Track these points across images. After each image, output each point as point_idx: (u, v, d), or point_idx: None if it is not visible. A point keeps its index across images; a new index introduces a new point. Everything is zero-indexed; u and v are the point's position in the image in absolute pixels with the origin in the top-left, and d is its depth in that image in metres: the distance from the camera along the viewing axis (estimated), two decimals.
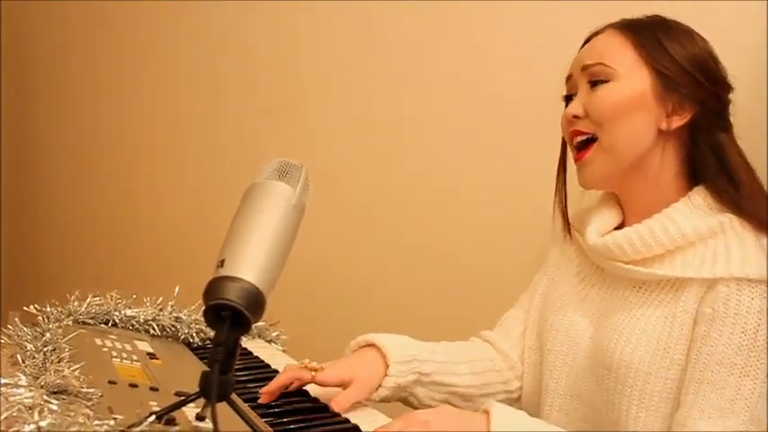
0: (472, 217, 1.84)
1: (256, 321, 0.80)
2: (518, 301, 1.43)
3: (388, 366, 1.22)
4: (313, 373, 1.17)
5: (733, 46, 1.39)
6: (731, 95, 1.21)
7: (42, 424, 0.77)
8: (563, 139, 1.29)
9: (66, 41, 3.06)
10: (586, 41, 1.27)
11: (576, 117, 1.21)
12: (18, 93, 3.30)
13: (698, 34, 1.22)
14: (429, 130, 1.92)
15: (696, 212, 1.16)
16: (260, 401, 1.11)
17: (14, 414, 0.78)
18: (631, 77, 1.17)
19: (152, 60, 2.70)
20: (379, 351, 1.24)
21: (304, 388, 1.20)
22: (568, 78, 1.26)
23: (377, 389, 1.21)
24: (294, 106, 2.21)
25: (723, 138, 1.18)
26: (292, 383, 1.17)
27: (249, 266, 0.79)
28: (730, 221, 1.14)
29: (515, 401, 1.36)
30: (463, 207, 1.86)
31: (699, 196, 1.17)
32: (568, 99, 1.26)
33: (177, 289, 1.44)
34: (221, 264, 0.80)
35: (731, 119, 1.21)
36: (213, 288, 0.78)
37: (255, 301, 0.78)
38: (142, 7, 2.69)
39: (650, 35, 1.19)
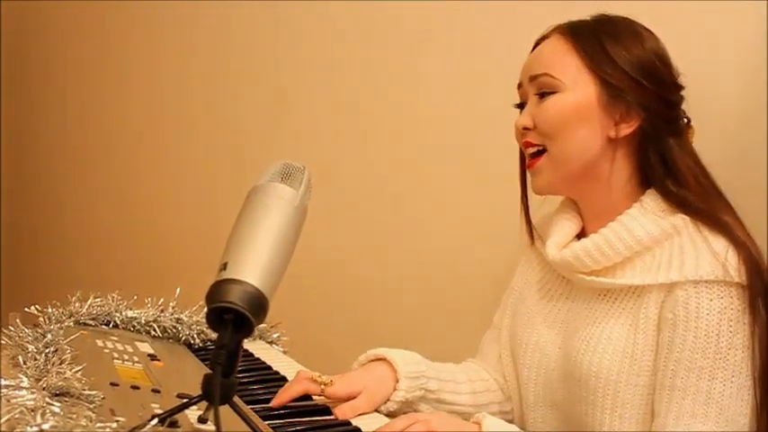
0: (474, 217, 1.84)
1: (259, 324, 0.80)
2: (493, 320, 1.44)
3: (397, 381, 1.23)
4: (323, 386, 1.17)
5: (733, 46, 1.39)
6: (683, 93, 1.22)
7: (45, 426, 0.77)
8: (520, 147, 1.30)
9: (67, 42, 3.06)
10: (535, 45, 1.27)
11: (526, 129, 1.22)
12: (18, 94, 3.30)
13: (647, 33, 1.21)
14: (431, 131, 1.92)
15: (649, 216, 1.17)
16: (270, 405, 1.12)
17: (16, 416, 0.78)
18: (577, 88, 1.17)
19: (152, 60, 2.70)
20: (390, 365, 1.25)
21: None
22: (519, 86, 1.26)
23: (385, 402, 1.22)
24: (295, 107, 2.21)
25: (671, 142, 1.18)
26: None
27: (252, 269, 0.79)
28: (683, 222, 1.15)
29: (511, 422, 1.37)
30: (465, 207, 1.86)
31: (650, 199, 1.18)
32: (521, 107, 1.26)
33: (178, 290, 1.44)
34: (224, 266, 0.80)
35: (681, 119, 1.22)
36: (216, 291, 0.78)
37: (258, 303, 0.78)
38: (142, 9, 2.69)
39: (594, 40, 1.19)
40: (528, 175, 1.27)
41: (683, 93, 1.22)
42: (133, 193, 2.79)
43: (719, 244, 1.10)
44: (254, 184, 0.89)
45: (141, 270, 2.67)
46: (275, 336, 1.52)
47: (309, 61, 2.17)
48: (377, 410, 1.19)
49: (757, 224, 1.30)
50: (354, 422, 1.09)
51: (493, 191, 1.82)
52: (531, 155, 1.23)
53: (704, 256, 1.10)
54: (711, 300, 1.07)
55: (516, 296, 1.39)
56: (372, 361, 1.29)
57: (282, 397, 1.13)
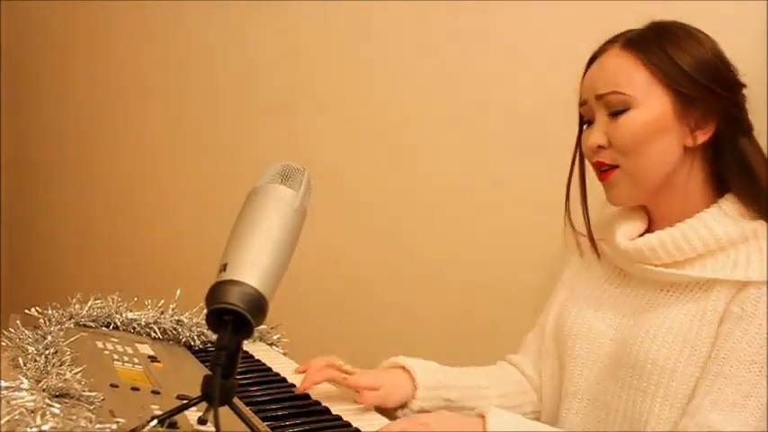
0: (474, 218, 1.84)
1: (259, 325, 0.80)
2: (537, 321, 1.43)
3: (416, 389, 1.25)
4: (345, 375, 1.21)
5: (733, 46, 1.39)
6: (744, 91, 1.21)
7: (44, 427, 0.77)
8: (579, 154, 1.29)
9: (67, 42, 3.06)
10: (591, 61, 1.25)
11: (600, 147, 1.20)
12: (18, 95, 3.30)
13: (702, 34, 1.21)
14: (431, 131, 1.92)
15: (728, 219, 1.17)
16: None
17: (17, 417, 0.78)
18: (649, 102, 1.16)
19: (152, 62, 2.70)
20: (409, 374, 1.27)
21: (306, 391, 1.21)
22: (583, 103, 1.25)
23: (402, 409, 1.23)
24: (295, 108, 2.21)
25: (745, 143, 1.18)
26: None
27: (252, 271, 0.79)
28: (763, 227, 1.15)
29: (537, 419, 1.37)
30: (465, 208, 1.86)
31: (729, 203, 1.18)
32: (585, 122, 1.25)
33: (179, 292, 1.44)
34: (224, 268, 0.80)
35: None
36: (216, 292, 0.78)
37: (258, 305, 0.78)
38: (142, 9, 2.69)
39: (658, 50, 1.17)
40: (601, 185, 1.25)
41: (744, 91, 1.22)
42: (133, 195, 2.79)
43: None
44: (254, 185, 0.89)
45: (141, 272, 2.67)
46: (275, 337, 1.52)
47: (310, 63, 2.17)
48: (388, 412, 1.21)
49: None
50: (354, 423, 1.09)
51: (494, 191, 1.82)
52: (603, 169, 1.22)
53: None
54: None
55: (566, 288, 1.37)
56: (393, 368, 1.31)
57: (306, 383, 1.17)
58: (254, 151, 2.29)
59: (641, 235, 1.24)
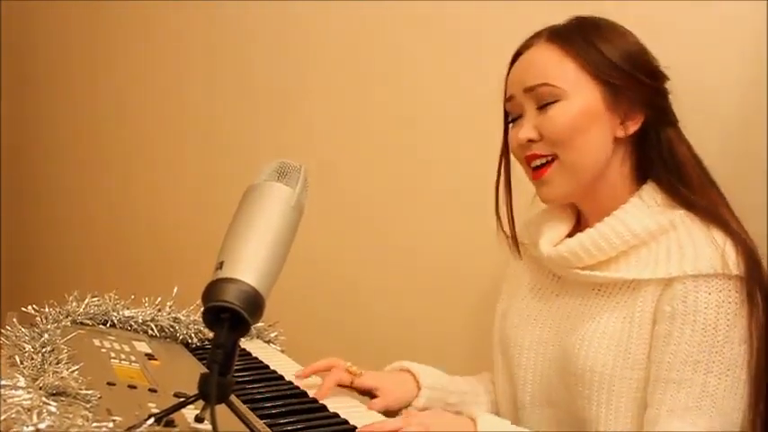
0: (472, 217, 1.83)
1: (255, 323, 0.80)
2: None
3: (420, 389, 1.29)
4: (352, 378, 1.25)
5: (733, 46, 1.39)
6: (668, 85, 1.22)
7: (41, 426, 0.76)
8: (501, 157, 1.30)
9: (66, 42, 3.05)
10: (516, 56, 1.25)
11: (531, 141, 1.20)
12: (17, 93, 3.29)
13: (623, 27, 1.22)
14: (429, 129, 1.92)
15: (646, 211, 1.17)
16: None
17: (13, 416, 0.77)
18: (579, 93, 1.17)
19: (150, 60, 2.69)
20: (413, 376, 1.31)
21: (304, 390, 1.22)
22: (509, 99, 1.25)
23: (407, 407, 1.26)
24: (293, 105, 2.21)
25: (671, 133, 1.19)
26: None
27: (248, 268, 0.79)
28: (680, 217, 1.15)
29: None
30: (463, 207, 1.85)
31: (648, 193, 1.19)
32: (511, 120, 1.26)
33: (176, 289, 1.44)
34: (220, 265, 0.80)
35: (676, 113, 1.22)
36: (212, 290, 0.78)
37: (254, 302, 0.78)
38: (141, 8, 2.69)
39: (584, 42, 1.18)
40: (533, 185, 1.26)
41: (667, 85, 1.23)
42: (130, 193, 2.79)
43: (717, 237, 1.11)
44: (251, 182, 0.89)
45: (138, 269, 2.67)
46: (272, 335, 1.52)
47: (308, 61, 2.16)
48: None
49: (757, 224, 1.30)
50: (351, 420, 1.09)
51: (493, 192, 1.81)
52: (536, 166, 1.21)
53: (702, 250, 1.10)
54: (710, 293, 1.08)
55: (506, 302, 1.38)
56: (398, 371, 1.34)
57: (322, 392, 1.19)
58: (251, 149, 2.29)
59: (570, 235, 1.25)
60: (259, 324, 1.51)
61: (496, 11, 1.76)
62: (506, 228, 1.34)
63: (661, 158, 1.18)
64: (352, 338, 1.98)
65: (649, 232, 1.15)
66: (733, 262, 1.09)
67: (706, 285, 1.08)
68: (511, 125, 1.26)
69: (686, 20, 1.43)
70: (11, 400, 0.80)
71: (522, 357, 1.29)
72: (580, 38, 1.19)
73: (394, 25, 1.96)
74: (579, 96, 1.17)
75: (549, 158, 1.19)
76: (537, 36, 1.23)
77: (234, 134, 2.39)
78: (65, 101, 3.08)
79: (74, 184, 3.04)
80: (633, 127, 1.18)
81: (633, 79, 1.17)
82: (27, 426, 0.76)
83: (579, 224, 1.27)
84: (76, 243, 3.04)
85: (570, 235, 1.25)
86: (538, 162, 1.21)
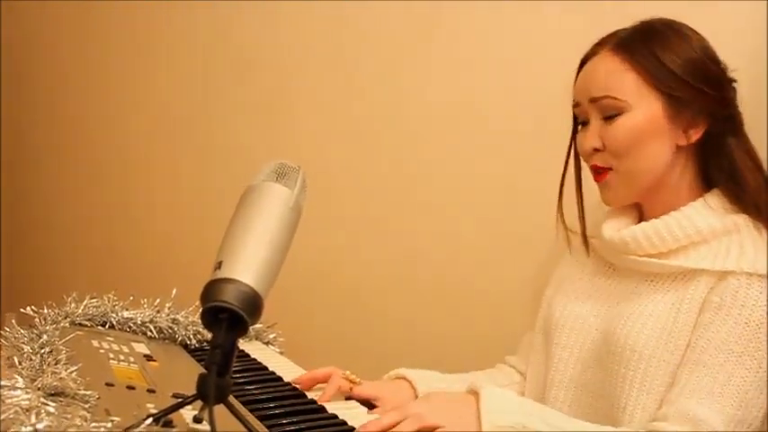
0: (472, 218, 1.84)
1: (254, 324, 0.80)
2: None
3: (416, 397, 1.29)
4: (352, 386, 1.26)
5: (733, 46, 1.39)
6: (735, 86, 1.23)
7: (39, 426, 0.76)
8: (574, 153, 1.31)
9: (64, 43, 3.05)
10: (583, 62, 1.26)
11: (596, 150, 1.22)
12: (16, 95, 3.29)
13: (690, 30, 1.22)
14: (427, 131, 1.92)
15: (712, 212, 1.19)
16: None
17: (11, 416, 0.77)
18: (641, 105, 1.18)
19: (148, 62, 2.69)
20: (410, 384, 1.31)
21: (303, 391, 1.23)
22: (576, 105, 1.26)
23: None
24: (291, 107, 2.21)
25: (733, 142, 1.20)
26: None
27: (247, 269, 0.79)
28: (744, 221, 1.17)
29: None
30: (462, 208, 1.86)
31: (715, 198, 1.21)
32: (580, 123, 1.27)
33: (174, 291, 1.44)
34: (219, 266, 0.80)
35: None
36: (210, 290, 0.78)
37: (253, 303, 0.78)
38: (138, 9, 2.69)
39: (647, 52, 1.19)
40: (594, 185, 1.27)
41: (734, 86, 1.23)
42: (129, 194, 2.79)
43: None
44: (249, 183, 0.89)
45: (137, 271, 2.67)
46: (271, 336, 1.52)
47: (306, 61, 2.16)
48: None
49: None
50: (350, 421, 1.09)
51: (493, 191, 1.82)
52: (598, 170, 1.24)
53: (762, 252, 1.13)
54: (761, 293, 1.10)
55: (554, 286, 1.39)
56: (394, 379, 1.35)
57: (327, 396, 1.20)
58: (249, 150, 2.29)
59: None
60: (258, 325, 1.51)
61: (497, 11, 1.76)
62: (568, 222, 1.35)
63: (723, 167, 1.20)
64: (351, 340, 1.98)
65: (713, 230, 1.17)
66: None
67: (759, 284, 1.11)
68: (580, 127, 1.28)
69: (686, 20, 1.42)
70: (9, 401, 0.80)
71: (562, 336, 1.30)
72: (644, 47, 1.19)
73: (391, 27, 1.96)
74: (641, 109, 1.18)
75: (607, 169, 1.22)
76: (601, 44, 1.25)
77: (232, 134, 2.39)
78: (63, 102, 3.08)
79: (72, 186, 3.04)
80: (695, 135, 1.20)
81: (696, 90, 1.18)
82: (25, 426, 0.76)
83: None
84: (75, 244, 3.03)
85: None
86: (599, 170, 1.24)
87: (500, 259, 1.77)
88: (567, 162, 1.33)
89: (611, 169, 1.22)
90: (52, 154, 3.15)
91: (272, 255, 0.82)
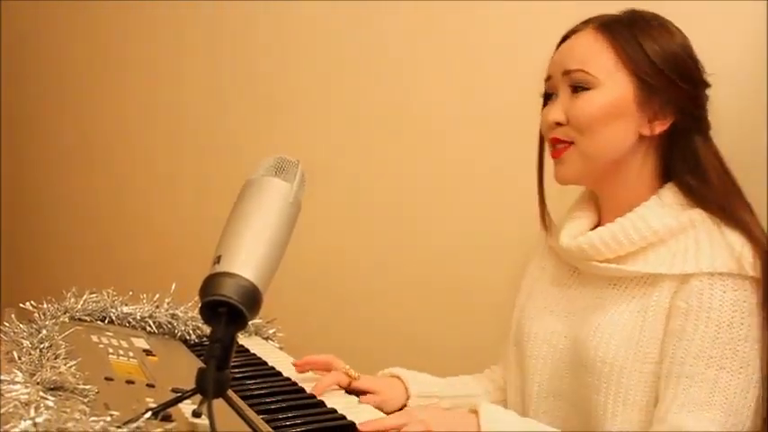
0: (471, 216, 1.84)
1: (253, 318, 0.80)
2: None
3: (408, 398, 1.31)
4: (349, 380, 1.28)
5: (733, 46, 1.39)
6: (708, 92, 1.22)
7: (38, 420, 0.76)
8: (540, 136, 1.31)
9: (64, 42, 3.05)
10: (564, 38, 1.27)
11: (558, 124, 1.22)
12: (17, 93, 3.29)
13: (675, 27, 1.22)
14: (428, 129, 1.92)
15: (666, 210, 1.18)
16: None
17: (11, 410, 0.78)
18: (612, 84, 1.18)
19: (148, 60, 2.69)
20: (403, 384, 1.33)
21: (301, 385, 1.23)
22: (548, 78, 1.26)
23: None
24: (291, 104, 2.21)
25: (699, 141, 1.19)
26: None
27: (246, 263, 0.79)
28: (700, 216, 1.16)
29: None
30: (462, 205, 1.86)
31: (669, 193, 1.20)
32: (547, 97, 1.27)
33: (174, 285, 1.44)
34: (218, 260, 0.80)
35: (711, 117, 1.23)
36: (209, 284, 0.78)
37: (252, 297, 0.78)
38: (138, 9, 2.69)
39: (629, 35, 1.19)
40: (553, 163, 1.27)
41: (708, 91, 1.23)
42: (128, 189, 2.79)
43: (735, 238, 1.12)
44: (248, 178, 0.89)
45: (136, 265, 2.67)
46: (271, 332, 1.52)
47: (305, 58, 2.16)
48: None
49: None
50: (349, 416, 1.09)
51: (493, 190, 1.82)
52: (556, 146, 1.23)
53: (720, 249, 1.11)
54: (725, 292, 1.09)
55: (525, 293, 1.39)
56: (389, 377, 1.36)
57: (319, 388, 1.20)
58: (247, 145, 2.30)
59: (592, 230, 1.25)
60: (257, 320, 1.51)
61: (497, 10, 1.76)
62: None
63: (685, 163, 1.19)
64: (350, 335, 1.98)
65: (669, 229, 1.16)
66: (749, 263, 1.09)
67: (721, 284, 1.09)
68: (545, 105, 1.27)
69: (686, 20, 1.42)
70: (9, 395, 0.80)
71: (534, 348, 1.30)
72: (626, 31, 1.19)
73: (393, 26, 1.96)
74: (612, 88, 1.18)
75: (569, 143, 1.21)
76: (586, 22, 1.25)
77: (231, 130, 2.39)
78: (63, 100, 3.08)
79: (72, 181, 3.04)
80: (660, 127, 1.19)
81: (669, 81, 1.17)
82: (25, 420, 0.76)
83: (601, 222, 1.28)
84: (75, 239, 3.04)
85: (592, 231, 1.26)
86: (559, 145, 1.23)
87: (500, 260, 1.77)
88: (540, 145, 1.32)
89: (571, 144, 1.21)
90: (51, 150, 3.15)
91: (271, 249, 0.82)
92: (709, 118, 1.24)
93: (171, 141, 2.62)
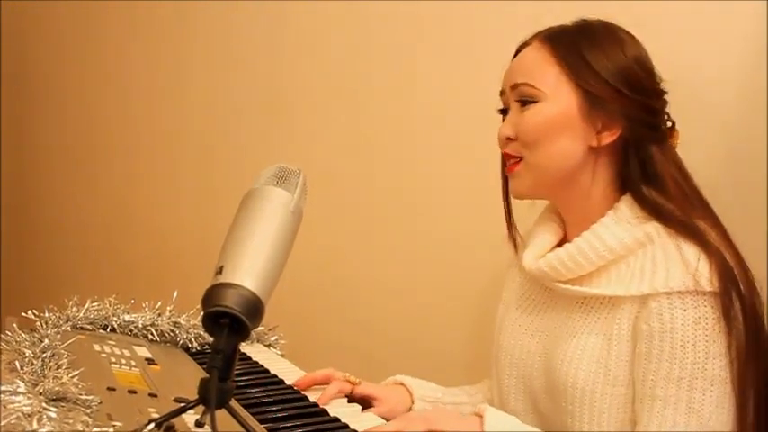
0: (472, 217, 1.84)
1: (255, 328, 0.80)
2: None
3: (413, 402, 1.31)
4: (352, 387, 1.28)
5: (733, 46, 1.39)
6: (667, 98, 1.21)
7: (41, 431, 0.76)
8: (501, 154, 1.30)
9: (66, 43, 3.06)
10: (517, 52, 1.26)
11: (508, 139, 1.22)
12: (18, 95, 3.30)
13: (629, 38, 1.20)
14: (428, 131, 1.92)
15: (622, 225, 1.16)
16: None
17: (13, 421, 0.77)
18: (557, 97, 1.17)
19: (151, 62, 2.70)
20: (406, 388, 1.33)
21: (304, 393, 1.23)
22: (502, 93, 1.27)
23: None
24: (293, 109, 2.21)
25: (653, 150, 1.17)
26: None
27: (248, 273, 0.79)
28: (656, 230, 1.14)
29: None
30: (463, 207, 1.85)
31: (625, 206, 1.18)
32: (504, 113, 1.27)
33: (176, 294, 1.44)
34: (220, 270, 0.80)
35: (666, 125, 1.21)
36: (212, 295, 0.78)
37: (254, 307, 0.78)
38: (140, 9, 2.69)
39: (573, 48, 1.18)
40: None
41: (666, 98, 1.21)
42: (130, 197, 2.79)
43: (691, 253, 1.09)
44: (250, 187, 0.89)
45: (138, 274, 2.67)
46: (273, 339, 1.52)
47: (307, 63, 2.16)
48: None
49: (757, 224, 1.30)
50: (352, 424, 1.09)
51: (494, 192, 1.81)
52: (510, 162, 1.24)
53: (675, 266, 1.09)
54: (685, 310, 1.07)
55: (503, 307, 1.39)
56: (392, 384, 1.37)
57: (325, 398, 1.20)
58: (251, 154, 2.30)
59: (559, 245, 1.25)
60: (259, 328, 1.51)
61: (498, 12, 1.76)
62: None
63: (639, 173, 1.17)
64: (352, 343, 1.98)
65: (625, 246, 1.14)
66: (706, 278, 1.07)
67: (681, 302, 1.07)
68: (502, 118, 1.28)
69: (686, 20, 1.43)
70: (11, 406, 0.80)
71: (513, 367, 1.30)
72: (570, 43, 1.19)
73: (393, 28, 1.96)
74: (556, 101, 1.17)
75: (519, 158, 1.22)
76: (535, 35, 1.24)
77: (234, 138, 2.39)
78: (64, 104, 3.08)
79: (74, 189, 3.05)
80: (608, 138, 1.17)
81: (614, 91, 1.15)
82: (27, 431, 0.76)
83: (566, 235, 1.27)
84: (77, 248, 3.04)
85: (561, 245, 1.25)
86: (511, 161, 1.24)
87: (503, 260, 1.77)
88: (503, 160, 1.32)
89: (521, 160, 1.21)
90: (54, 158, 3.15)
91: (272, 259, 0.82)
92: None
93: (173, 148, 2.62)
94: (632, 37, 1.21)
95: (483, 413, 1.08)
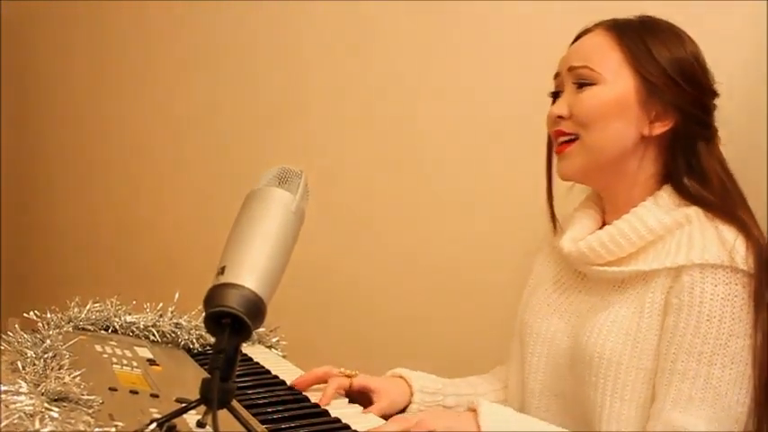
0: (473, 218, 1.84)
1: (257, 328, 0.80)
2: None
3: (413, 394, 1.31)
4: (350, 380, 1.27)
5: (733, 46, 1.39)
6: (717, 102, 1.23)
7: (43, 431, 0.77)
8: (549, 135, 1.31)
9: (68, 43, 3.06)
10: (576, 38, 1.28)
11: (560, 117, 1.23)
12: (18, 97, 3.30)
13: (687, 36, 1.23)
14: (430, 133, 1.92)
15: (662, 209, 1.19)
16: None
17: (15, 421, 0.77)
18: (616, 82, 1.19)
19: (154, 63, 2.70)
20: (405, 380, 1.33)
21: (305, 394, 1.23)
22: (556, 76, 1.28)
23: (401, 412, 1.26)
24: (295, 109, 2.21)
25: (702, 147, 1.20)
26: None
27: (249, 273, 0.79)
28: (695, 212, 1.16)
29: None
30: (464, 209, 1.86)
31: (665, 194, 1.20)
32: (555, 96, 1.28)
33: (177, 295, 1.44)
34: (222, 271, 0.80)
35: (718, 125, 1.23)
36: (214, 295, 0.78)
37: (256, 308, 0.78)
38: (142, 10, 2.69)
39: (637, 37, 1.21)
40: (555, 161, 1.28)
41: (716, 101, 1.23)
42: (132, 198, 2.79)
43: (729, 232, 1.12)
44: (252, 188, 0.89)
45: (140, 274, 2.67)
46: (274, 340, 1.52)
47: (310, 66, 2.17)
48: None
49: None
50: (354, 425, 1.09)
51: (494, 195, 1.82)
52: (561, 142, 1.24)
53: (712, 241, 1.11)
54: (716, 285, 1.09)
55: (530, 290, 1.40)
56: (392, 377, 1.36)
57: (326, 398, 1.20)
58: (253, 155, 2.30)
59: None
60: (260, 329, 1.51)
61: (507, 13, 1.77)
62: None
63: (686, 166, 1.20)
64: (354, 343, 1.98)
65: (665, 226, 1.16)
66: (741, 257, 1.09)
67: (712, 276, 1.09)
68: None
69: (686, 20, 1.43)
70: (13, 406, 0.80)
71: (536, 345, 1.31)
72: (635, 33, 1.21)
73: (396, 30, 1.97)
74: (615, 85, 1.19)
75: (573, 137, 1.23)
76: (598, 24, 1.27)
77: (236, 139, 2.39)
78: (66, 106, 3.08)
79: (76, 190, 3.05)
80: (660, 129, 1.20)
81: (672, 82, 1.18)
82: (29, 431, 0.76)
83: (605, 223, 1.28)
84: (78, 249, 3.04)
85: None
86: (562, 139, 1.24)
87: (506, 262, 1.77)
88: (549, 144, 1.33)
89: (575, 140, 1.22)
90: (55, 158, 3.16)
91: (274, 259, 0.82)
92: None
93: (175, 149, 2.62)
94: (690, 37, 1.23)
95: (477, 408, 1.09)
